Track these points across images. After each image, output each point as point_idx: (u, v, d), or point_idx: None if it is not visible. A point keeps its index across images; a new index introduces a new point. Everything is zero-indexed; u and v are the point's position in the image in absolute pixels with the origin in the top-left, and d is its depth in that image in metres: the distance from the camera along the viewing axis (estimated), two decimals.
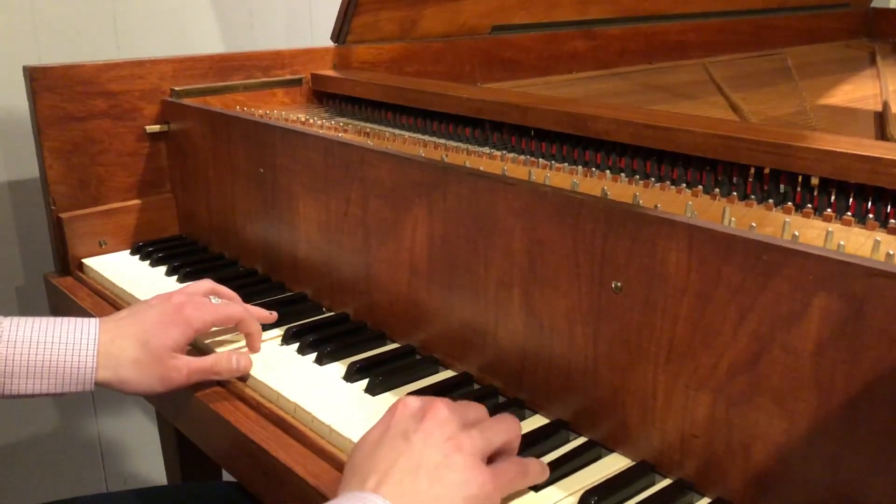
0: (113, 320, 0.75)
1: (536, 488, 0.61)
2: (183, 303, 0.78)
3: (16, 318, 0.72)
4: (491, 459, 0.60)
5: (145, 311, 0.76)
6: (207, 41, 1.53)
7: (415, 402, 0.60)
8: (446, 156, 0.93)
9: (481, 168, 0.77)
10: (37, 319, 0.73)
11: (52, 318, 0.73)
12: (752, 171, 0.79)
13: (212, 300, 0.82)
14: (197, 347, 0.85)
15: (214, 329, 0.84)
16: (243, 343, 0.84)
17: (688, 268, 0.58)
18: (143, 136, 1.14)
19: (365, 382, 0.77)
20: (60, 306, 1.10)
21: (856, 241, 0.66)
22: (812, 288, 0.52)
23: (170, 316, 0.76)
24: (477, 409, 0.62)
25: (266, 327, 0.88)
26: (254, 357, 0.82)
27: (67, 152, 1.09)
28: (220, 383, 0.80)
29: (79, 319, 0.74)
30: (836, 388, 0.52)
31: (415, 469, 0.54)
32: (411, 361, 0.81)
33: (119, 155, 1.13)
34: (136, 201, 1.15)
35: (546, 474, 0.62)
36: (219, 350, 0.83)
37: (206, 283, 0.85)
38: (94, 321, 0.74)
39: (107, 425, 1.53)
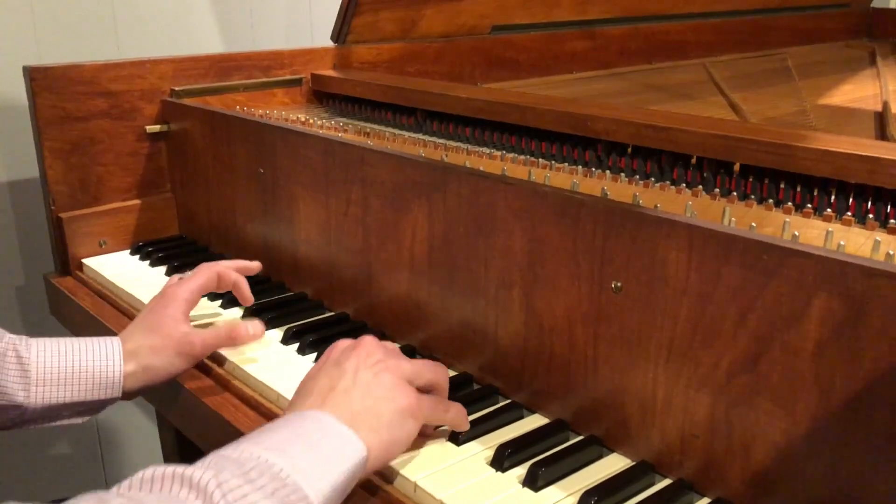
0: (125, 329, 0.81)
1: (536, 488, 0.61)
2: (170, 286, 0.85)
3: (34, 339, 0.76)
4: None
5: (144, 311, 0.83)
6: (207, 41, 1.53)
7: (346, 341, 0.68)
8: (446, 156, 0.93)
9: (481, 168, 0.77)
10: (55, 339, 0.77)
11: (71, 338, 0.77)
12: (752, 171, 0.79)
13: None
14: None
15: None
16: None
17: (688, 268, 0.58)
18: (143, 136, 1.14)
19: None
20: (60, 306, 1.10)
21: (856, 241, 0.66)
22: (812, 288, 0.52)
23: (161, 301, 0.83)
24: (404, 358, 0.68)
25: (266, 328, 0.88)
26: (254, 357, 0.82)
27: (67, 152, 1.09)
28: (220, 383, 0.80)
29: (97, 338, 0.78)
30: (836, 388, 0.52)
31: (348, 388, 0.62)
32: None
33: (119, 155, 1.13)
34: (136, 201, 1.16)
35: (465, 423, 0.67)
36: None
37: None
38: (112, 337, 0.79)
39: (106, 425, 1.53)
